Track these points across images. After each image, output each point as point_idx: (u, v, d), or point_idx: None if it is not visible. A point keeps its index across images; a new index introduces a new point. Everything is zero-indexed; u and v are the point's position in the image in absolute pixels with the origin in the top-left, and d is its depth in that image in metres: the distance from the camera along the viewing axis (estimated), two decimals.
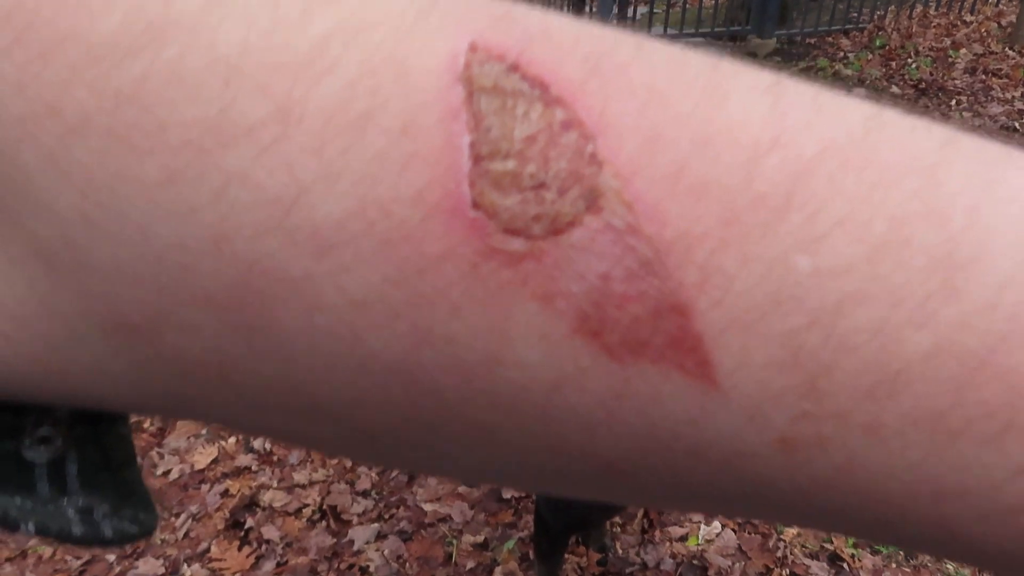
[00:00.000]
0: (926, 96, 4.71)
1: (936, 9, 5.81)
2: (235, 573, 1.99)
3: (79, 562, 2.04)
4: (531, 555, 1.91)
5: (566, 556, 1.87)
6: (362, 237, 0.15)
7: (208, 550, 2.05)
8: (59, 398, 0.21)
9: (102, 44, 0.16)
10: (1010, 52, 5.09)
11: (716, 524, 2.06)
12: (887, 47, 5.33)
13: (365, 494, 2.22)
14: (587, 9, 4.87)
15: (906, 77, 4.94)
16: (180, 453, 2.36)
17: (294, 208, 0.15)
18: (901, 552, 2.02)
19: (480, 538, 2.05)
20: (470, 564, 1.98)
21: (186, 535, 2.11)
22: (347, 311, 0.16)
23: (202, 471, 2.30)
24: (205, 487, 2.25)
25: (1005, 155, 0.16)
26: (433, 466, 0.20)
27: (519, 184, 0.15)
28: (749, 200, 0.15)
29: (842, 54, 5.37)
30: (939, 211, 0.15)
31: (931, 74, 4.90)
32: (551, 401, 0.16)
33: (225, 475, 2.29)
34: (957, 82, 4.81)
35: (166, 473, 2.28)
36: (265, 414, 0.19)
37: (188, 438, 2.40)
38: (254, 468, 2.32)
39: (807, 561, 1.96)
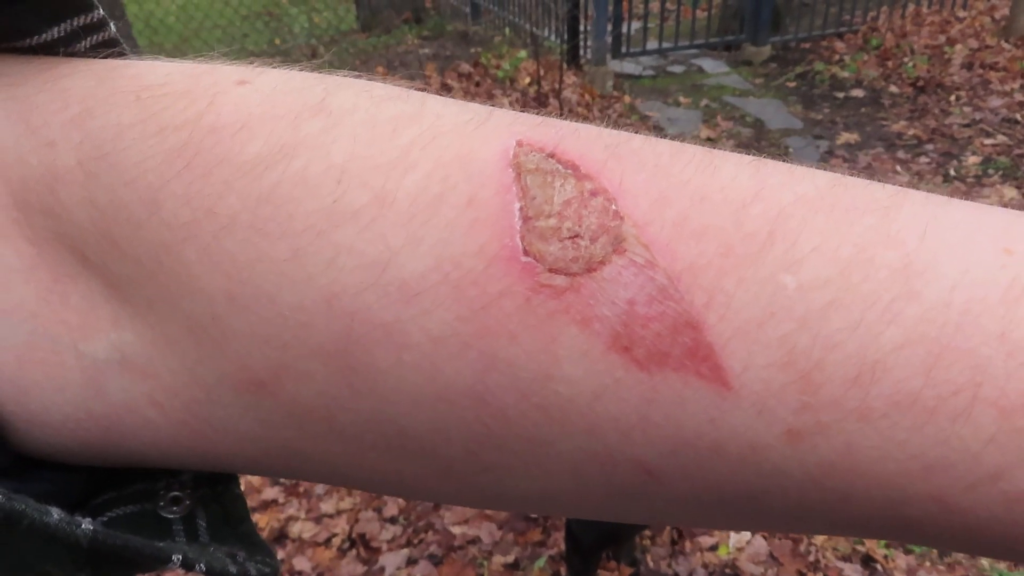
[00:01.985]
0: (924, 93, 4.74)
1: (929, 7, 5.86)
2: None
3: None
4: (563, 573, 1.93)
5: (598, 572, 1.89)
6: (439, 285, 0.20)
7: None
8: (193, 459, 0.26)
9: (248, 163, 0.21)
10: (1005, 45, 5.12)
11: (745, 532, 2.07)
12: (882, 47, 5.37)
13: (393, 520, 2.24)
14: (582, 28, 4.93)
15: (903, 76, 4.97)
16: None
17: (388, 268, 0.20)
18: (934, 551, 2.02)
19: (510, 558, 2.07)
20: None
21: None
22: (428, 346, 0.20)
23: None
24: None
25: (946, 200, 0.21)
26: (501, 496, 0.24)
27: (559, 235, 0.20)
28: (740, 237, 0.19)
29: (838, 57, 5.42)
30: (894, 236, 0.19)
31: (928, 71, 4.93)
32: (593, 410, 0.20)
33: (253, 509, 2.32)
34: (955, 78, 4.84)
35: None
36: (363, 454, 0.23)
37: None
38: (281, 500, 2.35)
39: (840, 564, 1.96)
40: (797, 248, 0.19)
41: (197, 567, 0.25)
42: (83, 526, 0.22)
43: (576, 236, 0.19)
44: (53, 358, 0.23)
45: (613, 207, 0.20)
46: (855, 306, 0.18)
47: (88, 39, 0.24)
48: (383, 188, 0.21)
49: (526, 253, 0.19)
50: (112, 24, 0.25)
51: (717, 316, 0.19)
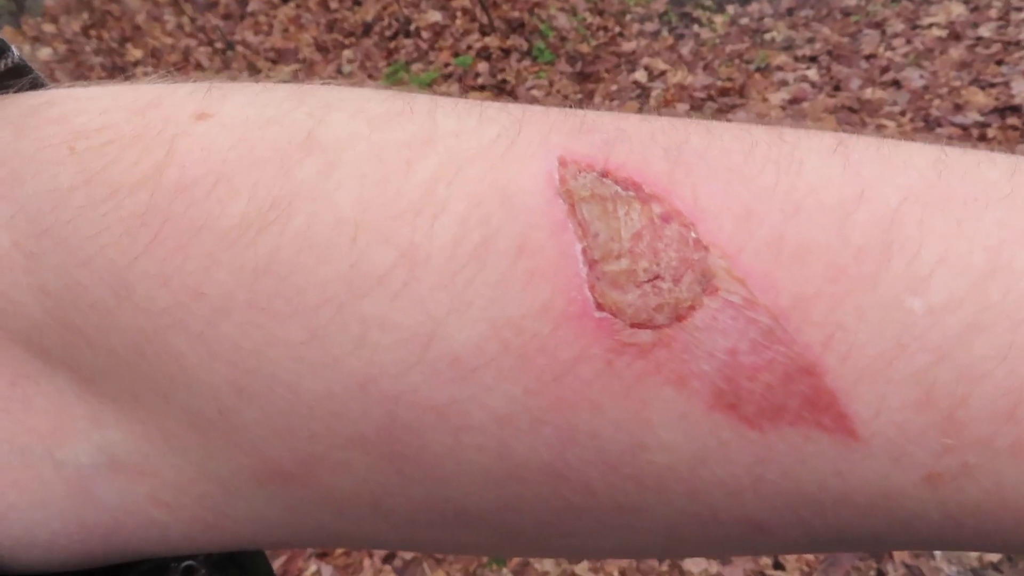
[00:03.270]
0: None
1: None
2: None
3: None
4: None
5: None
6: (500, 356, 0.17)
7: None
8: (214, 548, 0.23)
9: (234, 227, 0.17)
10: None
11: None
12: None
13: None
14: None
15: None
16: None
17: (432, 341, 0.17)
18: None
19: None
20: None
21: None
22: (493, 426, 0.17)
23: None
24: None
25: None
26: (578, 551, 0.21)
27: (635, 279, 0.16)
28: (850, 255, 0.16)
29: None
30: None
31: None
32: (696, 474, 0.17)
33: None
34: None
35: None
36: (414, 532, 0.20)
37: None
38: None
39: None
40: (920, 261, 0.16)
41: None
42: None
43: (656, 278, 0.16)
44: (26, 473, 0.20)
45: (693, 235, 0.16)
46: (1000, 326, 0.16)
47: None
48: (411, 242, 0.17)
49: (599, 307, 0.16)
50: (14, 49, 0.20)
51: (838, 357, 0.16)
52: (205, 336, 0.17)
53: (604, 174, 0.17)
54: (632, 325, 0.16)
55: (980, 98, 3.01)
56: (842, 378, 0.16)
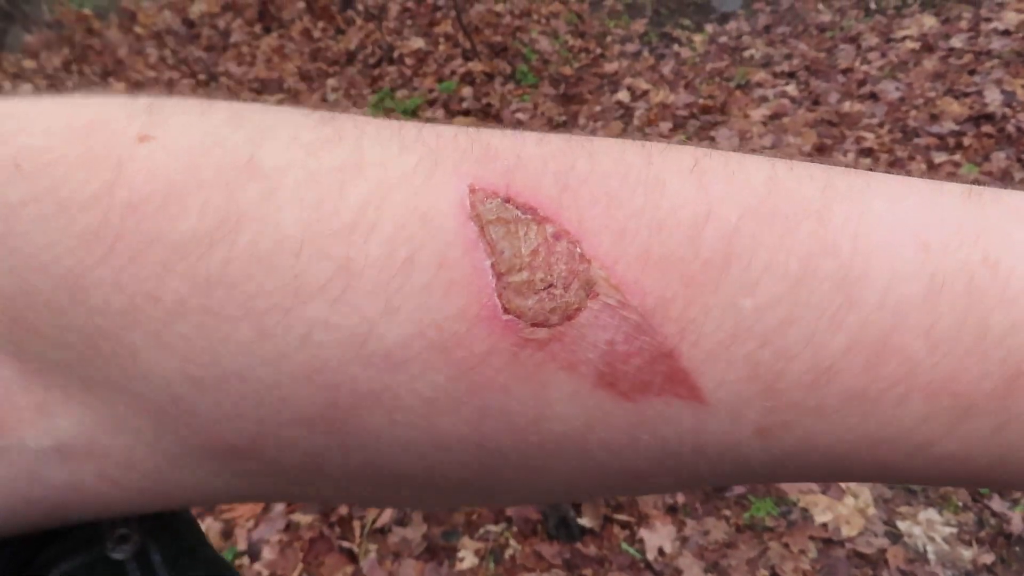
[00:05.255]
0: None
1: None
2: None
3: None
4: None
5: None
6: (425, 351, 0.20)
7: None
8: (154, 510, 0.25)
9: (186, 241, 0.20)
10: None
11: None
12: None
13: None
14: None
15: None
16: None
17: (368, 339, 0.20)
18: None
19: None
20: None
21: None
22: (421, 407, 0.21)
23: None
24: None
25: (867, 185, 0.22)
26: (492, 499, 0.25)
27: (534, 288, 0.20)
28: (699, 265, 0.20)
29: None
30: (831, 245, 0.20)
31: None
32: (587, 438, 0.21)
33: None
34: None
35: None
36: (354, 488, 0.24)
37: None
38: None
39: None
40: (751, 269, 0.20)
41: None
42: None
43: (550, 286, 0.20)
44: None
45: (578, 250, 0.20)
46: (806, 320, 0.20)
47: None
48: (347, 257, 0.20)
49: (506, 311, 0.20)
50: None
51: (689, 344, 0.20)
52: (161, 335, 0.20)
53: (507, 200, 0.21)
54: (532, 324, 0.20)
55: (955, 108, 3.08)
56: (693, 359, 0.20)
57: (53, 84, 4.38)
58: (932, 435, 0.20)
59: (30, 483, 0.22)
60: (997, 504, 1.83)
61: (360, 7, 4.50)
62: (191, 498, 0.24)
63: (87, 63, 4.50)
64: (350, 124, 0.22)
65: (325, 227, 0.20)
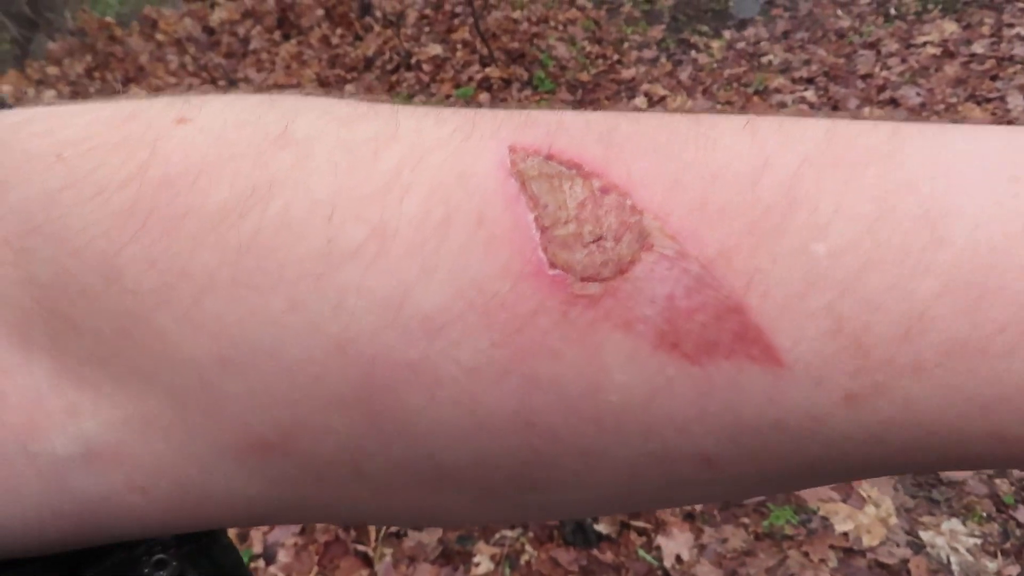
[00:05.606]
0: None
1: None
2: None
3: None
4: None
5: None
6: (466, 313, 0.19)
7: None
8: (187, 529, 0.24)
9: (216, 213, 0.19)
10: None
11: None
12: None
13: None
14: None
15: None
16: None
17: (404, 304, 0.19)
18: None
19: None
20: None
21: None
22: (463, 379, 0.19)
23: None
24: None
25: (940, 129, 0.20)
26: (547, 507, 0.23)
27: (582, 241, 0.19)
28: (761, 211, 0.19)
29: None
30: (907, 184, 0.19)
31: None
32: (648, 411, 0.19)
33: None
34: None
35: None
36: (394, 495, 0.22)
37: None
38: None
39: None
40: (819, 213, 0.18)
41: None
42: None
43: (600, 239, 0.19)
44: (0, 468, 0.21)
45: (629, 202, 0.19)
46: (889, 263, 0.18)
47: None
48: (381, 219, 0.19)
49: (552, 265, 0.19)
50: None
51: (759, 296, 0.18)
52: (190, 313, 0.19)
53: (549, 157, 0.19)
54: (582, 279, 0.18)
55: (977, 113, 3.04)
56: (764, 314, 0.18)
57: (76, 90, 4.46)
58: None
59: (60, 494, 0.21)
60: (1023, 515, 1.79)
61: (378, 14, 4.52)
62: (224, 513, 0.23)
63: (109, 70, 4.56)
64: (385, 104, 0.22)
65: (358, 191, 0.19)
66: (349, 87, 4.11)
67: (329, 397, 0.19)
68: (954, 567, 1.72)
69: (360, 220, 0.19)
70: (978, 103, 3.10)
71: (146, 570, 0.25)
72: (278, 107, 0.21)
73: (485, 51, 4.01)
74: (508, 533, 1.86)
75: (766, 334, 0.18)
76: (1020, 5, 3.55)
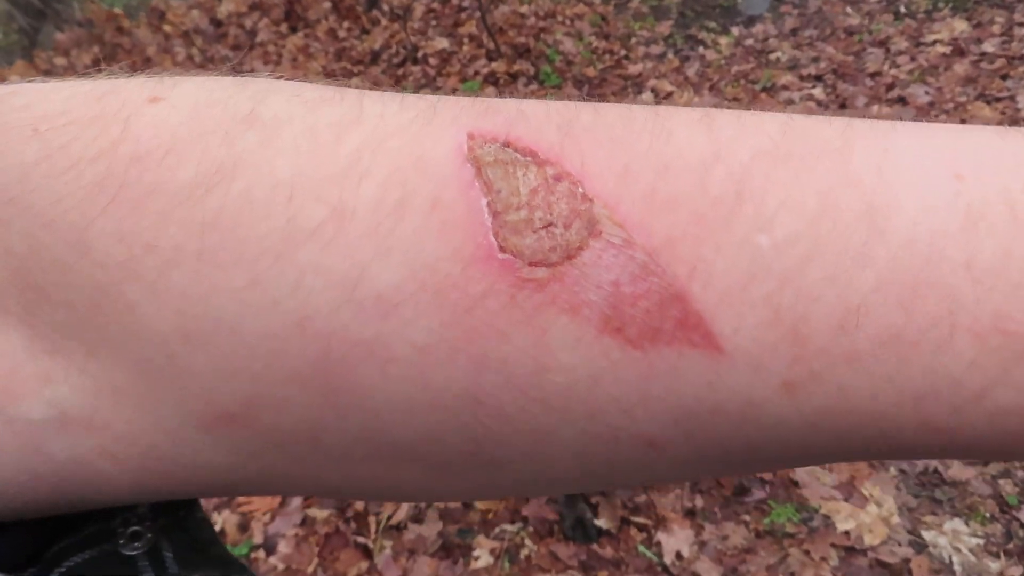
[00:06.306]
0: None
1: None
2: None
3: None
4: None
5: None
6: (418, 293, 0.19)
7: None
8: (158, 497, 0.24)
9: (183, 189, 0.20)
10: None
11: None
12: None
13: None
14: None
15: None
16: None
17: (360, 283, 0.19)
18: None
19: None
20: None
21: None
22: (415, 357, 0.20)
23: None
24: None
25: (892, 127, 0.20)
26: (499, 485, 0.24)
27: (532, 226, 0.19)
28: (709, 202, 0.19)
29: None
30: (852, 179, 0.19)
31: None
32: (593, 394, 0.20)
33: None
34: None
35: None
36: (353, 468, 0.23)
37: None
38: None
39: None
40: (765, 206, 0.19)
41: None
42: None
43: (549, 225, 0.19)
44: None
45: (580, 190, 0.19)
46: (829, 256, 0.18)
47: None
48: (340, 200, 0.19)
49: (502, 249, 0.19)
50: None
51: (701, 285, 0.19)
52: (156, 286, 0.20)
53: (506, 144, 0.20)
54: (530, 264, 0.19)
55: (987, 112, 3.03)
56: (705, 302, 0.19)
57: None
58: (983, 382, 0.18)
59: (35, 456, 0.22)
60: None
61: (385, 7, 4.53)
62: (193, 482, 0.23)
63: (116, 61, 4.58)
64: (353, 90, 0.23)
65: (319, 172, 0.20)
66: (355, 80, 4.11)
67: (288, 371, 0.20)
68: (956, 567, 1.71)
69: (319, 201, 0.19)
70: (988, 102, 3.08)
71: (121, 541, 0.25)
72: (248, 88, 0.22)
73: (492, 45, 4.01)
74: (508, 527, 1.87)
75: (707, 321, 0.19)
76: None
